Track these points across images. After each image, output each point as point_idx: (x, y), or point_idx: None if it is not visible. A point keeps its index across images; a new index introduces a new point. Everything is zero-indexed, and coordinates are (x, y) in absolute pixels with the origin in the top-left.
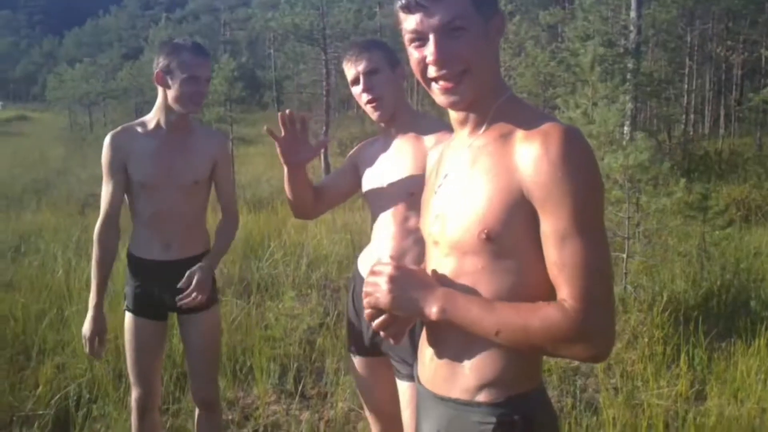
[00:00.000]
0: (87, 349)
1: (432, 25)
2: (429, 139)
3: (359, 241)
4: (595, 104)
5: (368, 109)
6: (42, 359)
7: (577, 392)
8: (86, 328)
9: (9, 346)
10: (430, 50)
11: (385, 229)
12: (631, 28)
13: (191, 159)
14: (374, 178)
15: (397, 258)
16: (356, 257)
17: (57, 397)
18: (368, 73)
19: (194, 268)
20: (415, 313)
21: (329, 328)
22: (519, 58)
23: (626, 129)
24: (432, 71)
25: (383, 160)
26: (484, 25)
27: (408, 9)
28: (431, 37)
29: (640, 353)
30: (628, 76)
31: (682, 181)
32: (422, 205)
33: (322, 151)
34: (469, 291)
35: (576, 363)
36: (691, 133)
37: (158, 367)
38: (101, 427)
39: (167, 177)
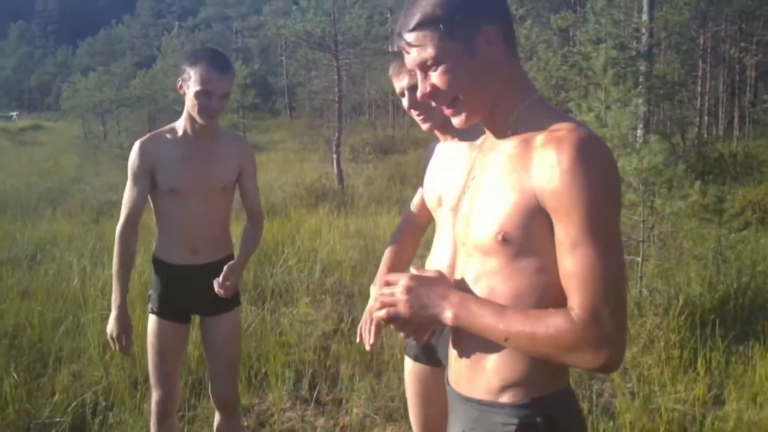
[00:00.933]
0: (116, 348)
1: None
2: (475, 145)
3: (372, 246)
4: (608, 107)
5: (417, 120)
6: (58, 367)
7: (594, 397)
8: (111, 327)
9: (26, 354)
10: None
11: (443, 239)
12: (643, 30)
13: (219, 165)
14: (429, 186)
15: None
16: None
17: (73, 404)
18: (413, 88)
19: (232, 264)
20: (432, 320)
21: (344, 334)
22: (531, 62)
23: (639, 132)
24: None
25: (435, 167)
26: (463, 48)
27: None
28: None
29: (657, 357)
30: (641, 78)
31: (697, 183)
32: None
33: (335, 158)
34: (492, 291)
35: None
36: (705, 135)
37: (179, 370)
38: None
39: (196, 183)
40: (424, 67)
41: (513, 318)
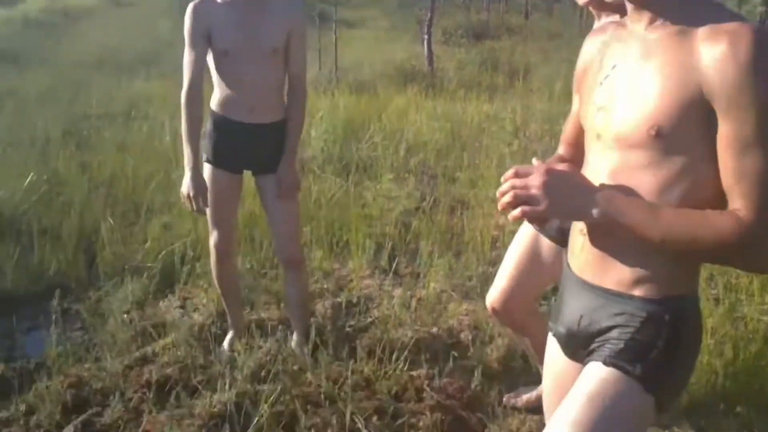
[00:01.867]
0: (191, 208)
1: None
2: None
3: (458, 130)
4: None
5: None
6: (150, 217)
7: None
8: (187, 188)
9: (120, 203)
10: None
11: None
12: None
13: (269, 27)
14: None
15: None
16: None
17: (164, 252)
18: None
19: (283, 165)
20: (576, 218)
21: (425, 212)
22: None
23: None
24: None
25: None
26: None
27: None
28: None
29: None
30: None
31: None
32: (582, 96)
33: (426, 39)
34: (630, 191)
35: None
36: None
37: (233, 216)
38: (204, 283)
39: (247, 44)
40: None
41: (670, 218)
